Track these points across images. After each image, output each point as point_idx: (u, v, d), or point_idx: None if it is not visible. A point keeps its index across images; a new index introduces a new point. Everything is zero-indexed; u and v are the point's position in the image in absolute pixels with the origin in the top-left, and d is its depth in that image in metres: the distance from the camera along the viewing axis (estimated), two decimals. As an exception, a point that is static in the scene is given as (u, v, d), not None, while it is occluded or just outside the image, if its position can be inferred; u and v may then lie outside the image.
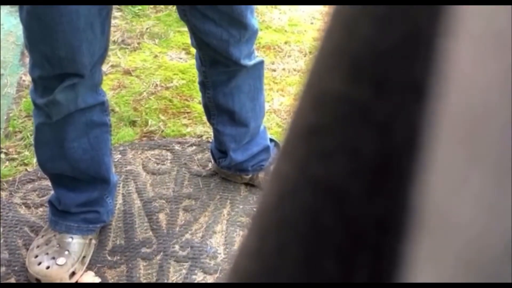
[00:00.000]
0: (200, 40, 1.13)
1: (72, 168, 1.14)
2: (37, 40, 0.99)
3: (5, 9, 1.93)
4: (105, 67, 1.61)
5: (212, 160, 1.40)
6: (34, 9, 0.95)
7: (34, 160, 1.40)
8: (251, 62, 1.20)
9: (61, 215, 1.19)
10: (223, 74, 1.21)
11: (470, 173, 0.11)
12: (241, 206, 1.34)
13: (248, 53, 1.18)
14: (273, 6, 2.05)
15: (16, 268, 1.19)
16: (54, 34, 0.96)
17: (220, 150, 1.35)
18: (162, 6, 2.01)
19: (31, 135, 1.47)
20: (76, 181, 1.17)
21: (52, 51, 0.98)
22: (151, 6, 2.01)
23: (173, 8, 2.00)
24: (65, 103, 1.06)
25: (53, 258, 1.16)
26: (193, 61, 1.77)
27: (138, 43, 1.82)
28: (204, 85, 1.26)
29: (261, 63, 1.24)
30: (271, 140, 1.39)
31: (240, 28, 1.11)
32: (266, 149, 1.35)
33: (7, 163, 1.40)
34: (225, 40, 1.11)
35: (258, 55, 1.26)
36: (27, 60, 1.75)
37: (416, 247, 0.13)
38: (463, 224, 0.11)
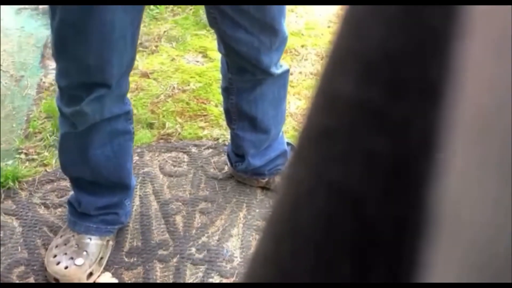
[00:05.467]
0: (229, 48, 1.11)
1: (93, 174, 1.15)
2: (68, 48, 0.98)
3: (26, 11, 1.97)
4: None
5: (228, 163, 1.40)
6: (68, 16, 0.94)
7: (54, 160, 1.42)
8: (278, 71, 1.18)
9: (80, 216, 1.20)
10: (249, 81, 1.20)
11: (485, 175, 0.11)
12: (257, 210, 1.34)
13: (277, 61, 1.17)
14: (290, 9, 2.05)
15: (35, 267, 1.20)
16: (86, 42, 0.95)
17: (236, 154, 1.35)
18: (179, 9, 2.03)
19: (50, 136, 1.49)
20: (97, 185, 1.18)
21: (81, 59, 0.97)
22: (169, 9, 2.02)
23: (190, 12, 2.01)
24: (91, 114, 1.05)
25: (72, 258, 1.17)
26: (210, 64, 1.77)
27: (156, 46, 1.84)
28: (228, 91, 1.24)
29: (287, 71, 1.23)
30: (288, 143, 1.38)
31: (271, 35, 1.09)
32: (284, 153, 1.35)
33: (27, 163, 1.42)
34: (256, 47, 1.09)
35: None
36: (47, 62, 1.78)
37: (433, 249, 0.12)
38: (478, 226, 0.11)
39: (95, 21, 0.92)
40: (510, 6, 0.11)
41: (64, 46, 0.98)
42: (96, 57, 0.96)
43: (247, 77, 1.18)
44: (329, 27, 2.01)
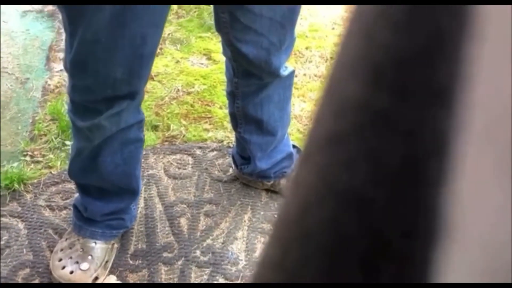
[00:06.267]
0: (237, 51, 1.08)
1: (102, 181, 1.14)
2: (90, 65, 0.92)
3: (31, 14, 1.97)
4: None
5: (233, 166, 1.39)
6: (94, 34, 0.88)
7: (59, 163, 1.42)
8: (285, 73, 1.17)
9: (86, 221, 1.20)
10: (255, 85, 1.18)
11: (497, 182, 0.11)
12: (262, 212, 1.34)
13: (284, 62, 1.15)
14: (295, 11, 2.05)
15: (40, 269, 1.20)
16: (113, 58, 0.90)
17: (242, 157, 1.34)
18: (184, 11, 2.03)
19: (55, 138, 1.49)
20: (105, 192, 1.17)
21: (107, 75, 0.92)
22: (173, 12, 2.02)
23: (194, 14, 2.01)
24: (108, 126, 1.02)
25: (77, 262, 1.17)
26: (215, 67, 1.77)
27: (160, 49, 1.84)
28: (233, 95, 1.23)
29: (292, 73, 1.22)
30: (294, 146, 1.38)
31: (280, 34, 1.06)
32: (289, 155, 1.34)
33: (32, 165, 1.43)
34: (266, 48, 1.07)
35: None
36: (53, 64, 1.79)
37: (441, 254, 0.12)
38: (488, 234, 0.11)
39: (125, 37, 0.88)
40: None
41: (85, 63, 0.92)
42: (124, 71, 0.92)
43: (253, 80, 1.17)
44: (333, 29, 2.00)
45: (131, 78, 0.95)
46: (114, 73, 0.92)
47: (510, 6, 0.12)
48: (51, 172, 1.41)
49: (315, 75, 1.77)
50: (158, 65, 1.78)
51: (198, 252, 1.25)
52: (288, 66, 1.21)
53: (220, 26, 1.06)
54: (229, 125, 1.42)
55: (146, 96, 1.66)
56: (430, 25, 0.14)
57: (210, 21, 1.89)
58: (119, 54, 0.90)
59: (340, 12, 2.07)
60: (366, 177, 0.15)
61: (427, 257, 0.13)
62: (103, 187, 1.16)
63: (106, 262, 1.20)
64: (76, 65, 0.94)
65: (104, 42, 0.88)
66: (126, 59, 0.91)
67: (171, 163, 1.45)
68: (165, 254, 1.24)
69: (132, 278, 1.20)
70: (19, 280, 1.18)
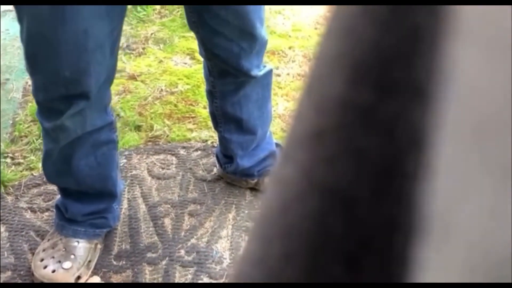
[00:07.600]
0: (209, 52, 1.11)
1: (78, 184, 1.14)
2: (40, 61, 0.93)
3: (11, 14, 1.95)
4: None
5: (217, 165, 1.40)
6: (37, 27, 0.89)
7: (40, 164, 1.40)
8: (260, 72, 1.18)
9: (68, 220, 1.19)
10: (232, 84, 1.19)
11: (475, 176, 0.11)
12: (246, 211, 1.34)
13: (258, 64, 1.17)
14: (277, 11, 2.06)
15: (21, 272, 1.19)
16: (59, 54, 0.91)
17: (225, 156, 1.35)
18: (167, 11, 2.02)
19: (36, 139, 1.47)
20: (83, 194, 1.16)
21: (56, 72, 0.93)
22: (156, 11, 2.01)
23: (177, 14, 2.00)
24: (72, 128, 1.02)
25: (59, 261, 1.16)
26: (198, 66, 1.77)
27: (143, 48, 1.83)
28: (211, 94, 1.24)
29: (270, 71, 1.23)
30: (277, 144, 1.38)
31: (250, 40, 1.09)
32: (273, 153, 1.35)
33: (13, 167, 1.41)
34: (236, 53, 1.09)
35: (264, 61, 1.25)
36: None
37: (424, 250, 0.12)
38: (468, 228, 0.11)
39: (67, 31, 0.88)
40: (501, 6, 0.11)
41: (36, 58, 0.93)
42: (71, 68, 0.92)
43: (229, 79, 1.18)
44: (316, 28, 2.01)
45: (80, 76, 0.94)
46: (63, 72, 0.92)
47: (490, 6, 0.12)
48: (32, 174, 1.39)
49: (299, 75, 1.77)
50: (141, 65, 1.76)
51: (182, 252, 1.24)
52: (266, 65, 1.22)
53: (191, 26, 1.09)
54: (213, 125, 1.42)
55: (128, 96, 1.65)
56: (411, 22, 0.14)
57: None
58: (63, 50, 0.90)
59: (323, 11, 2.08)
60: (348, 172, 0.15)
61: (410, 253, 0.14)
62: (80, 190, 1.15)
63: (89, 262, 1.19)
64: (29, 60, 0.95)
65: (47, 37, 0.89)
66: (71, 56, 0.91)
67: (155, 163, 1.44)
68: (149, 254, 1.23)
69: (116, 279, 1.19)
70: (1, 283, 1.16)
